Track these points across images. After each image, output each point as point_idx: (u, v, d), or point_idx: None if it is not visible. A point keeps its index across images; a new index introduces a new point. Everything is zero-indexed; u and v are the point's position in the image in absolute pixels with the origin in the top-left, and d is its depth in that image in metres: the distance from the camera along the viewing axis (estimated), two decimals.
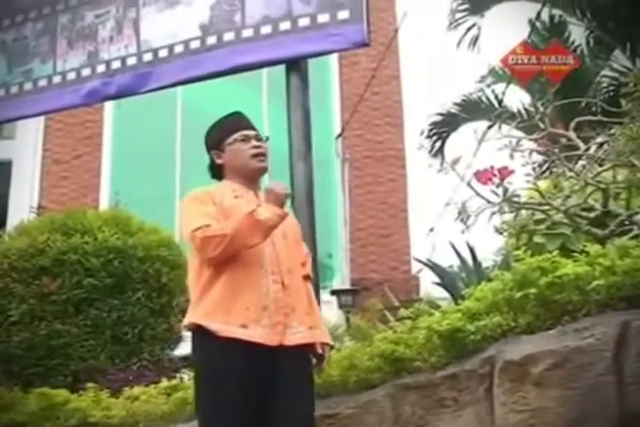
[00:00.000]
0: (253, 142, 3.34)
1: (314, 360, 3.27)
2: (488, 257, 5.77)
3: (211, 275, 3.11)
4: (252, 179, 3.37)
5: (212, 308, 3.06)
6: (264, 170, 3.38)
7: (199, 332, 3.06)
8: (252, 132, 3.39)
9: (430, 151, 11.98)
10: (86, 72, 5.60)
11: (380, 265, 13.40)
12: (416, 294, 11.55)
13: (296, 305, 3.15)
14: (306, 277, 3.37)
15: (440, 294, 8.39)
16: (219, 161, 3.39)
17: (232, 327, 3.00)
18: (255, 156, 3.32)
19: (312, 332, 3.19)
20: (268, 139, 3.43)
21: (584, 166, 3.39)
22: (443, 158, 11.76)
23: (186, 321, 3.14)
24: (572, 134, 3.48)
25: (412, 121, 13.96)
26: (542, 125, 3.56)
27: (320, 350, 3.26)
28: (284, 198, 3.18)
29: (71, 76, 5.64)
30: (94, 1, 5.76)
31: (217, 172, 3.44)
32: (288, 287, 3.14)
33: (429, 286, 10.26)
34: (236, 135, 3.36)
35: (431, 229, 10.90)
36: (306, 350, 3.19)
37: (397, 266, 13.19)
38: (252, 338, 3.00)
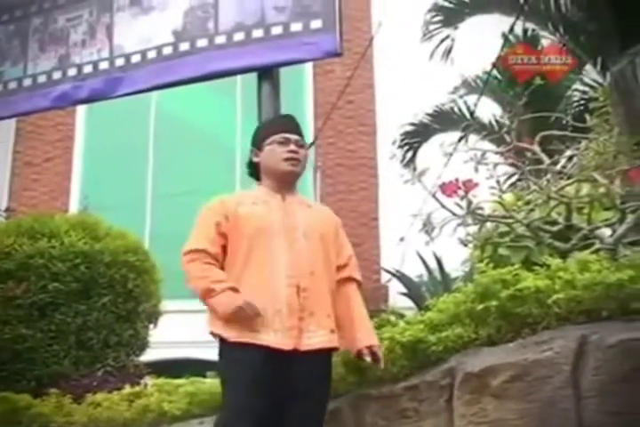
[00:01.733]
0: (291, 146, 3.32)
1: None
2: (458, 268, 5.81)
3: None
4: (281, 181, 3.34)
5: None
6: (293, 174, 3.35)
7: (218, 338, 3.14)
8: (293, 137, 3.36)
9: (402, 161, 12.01)
10: (57, 75, 5.59)
11: None
12: (385, 303, 11.57)
13: (315, 309, 3.12)
14: (347, 280, 3.36)
15: (409, 303, 8.44)
16: (255, 159, 3.39)
17: (244, 332, 3.03)
18: (288, 159, 3.30)
19: (333, 336, 3.17)
20: (311, 145, 3.41)
21: (548, 180, 3.42)
22: (414, 168, 11.80)
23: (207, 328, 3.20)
24: (536, 148, 3.51)
25: (385, 130, 14.00)
26: (508, 139, 3.59)
27: (368, 356, 3.21)
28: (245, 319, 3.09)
29: (42, 79, 5.62)
30: (67, 5, 5.75)
31: (253, 170, 3.43)
32: (305, 290, 3.11)
33: (398, 295, 10.30)
34: (277, 137, 3.34)
35: (401, 239, 10.92)
36: (327, 353, 3.19)
37: (367, 275, 13.16)
38: (264, 342, 3.02)
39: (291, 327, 3.05)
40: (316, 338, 3.10)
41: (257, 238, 3.17)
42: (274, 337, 3.03)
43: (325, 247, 3.27)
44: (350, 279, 3.38)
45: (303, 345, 3.07)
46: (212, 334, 3.15)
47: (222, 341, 3.12)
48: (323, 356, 3.16)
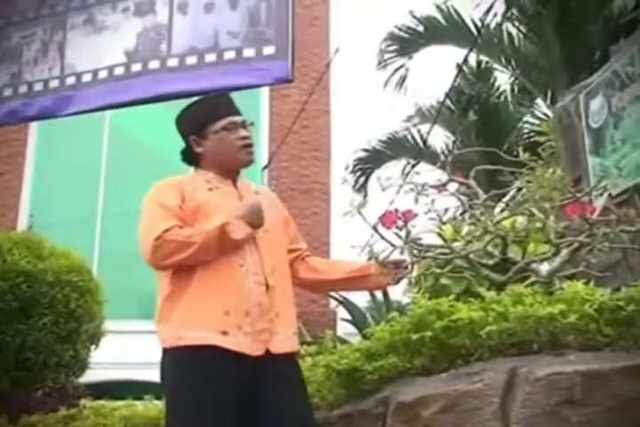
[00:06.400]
0: (241, 132, 2.99)
1: None
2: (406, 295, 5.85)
3: (180, 280, 2.77)
4: (235, 170, 3.03)
5: (186, 317, 2.72)
6: (251, 163, 3.04)
7: (171, 350, 2.72)
8: (239, 119, 3.03)
9: (354, 186, 12.14)
10: (8, 92, 5.54)
11: (300, 298, 13.32)
12: (333, 328, 11.60)
13: (280, 309, 2.82)
14: (304, 254, 3.15)
15: (355, 329, 8.44)
16: (198, 149, 3.01)
17: (210, 334, 2.66)
18: (243, 147, 2.98)
19: (295, 338, 2.91)
20: (252, 124, 3.07)
21: (482, 213, 3.49)
22: (366, 194, 11.94)
23: (161, 342, 2.77)
24: (472, 182, 3.57)
25: (338, 156, 14.12)
26: (445, 173, 3.66)
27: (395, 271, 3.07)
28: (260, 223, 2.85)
29: None
30: (22, 22, 5.72)
31: (192, 158, 3.06)
32: (273, 289, 2.80)
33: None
34: (223, 122, 2.99)
35: None
36: (294, 356, 2.92)
37: (316, 299, 13.20)
38: (233, 347, 2.66)
39: (262, 330, 2.74)
40: (286, 341, 2.82)
41: None
42: (244, 340, 2.69)
43: (282, 240, 3.03)
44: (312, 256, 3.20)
45: (274, 348, 2.76)
46: (167, 344, 2.75)
47: (175, 351, 2.71)
48: (292, 359, 2.90)
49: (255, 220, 2.82)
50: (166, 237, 2.72)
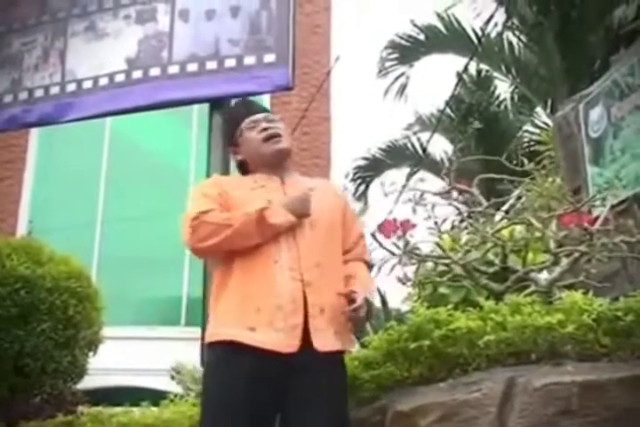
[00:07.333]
0: (262, 125, 2.99)
1: None
2: (405, 304, 5.84)
3: (222, 278, 2.82)
4: (273, 165, 2.98)
5: (223, 315, 2.75)
6: (282, 151, 2.99)
7: (209, 345, 2.78)
8: (259, 116, 3.05)
9: (354, 194, 12.14)
10: (8, 99, 5.55)
11: None
12: None
13: (327, 306, 2.73)
14: (352, 260, 2.96)
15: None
16: (238, 158, 3.08)
17: (239, 331, 2.66)
18: (267, 139, 2.97)
19: (342, 337, 2.78)
20: (276, 118, 3.07)
21: (483, 222, 3.49)
22: (366, 202, 11.95)
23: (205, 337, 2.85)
24: (475, 191, 3.58)
25: (339, 163, 14.13)
26: (447, 181, 3.67)
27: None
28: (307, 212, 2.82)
29: None
30: (23, 29, 5.73)
31: (242, 168, 3.11)
32: (311, 284, 2.72)
33: None
34: (243, 125, 3.04)
35: None
36: (340, 356, 2.82)
37: None
38: (259, 343, 2.63)
39: (295, 326, 2.66)
40: (330, 338, 2.72)
41: None
42: (274, 337, 2.64)
43: (334, 236, 2.92)
44: (360, 259, 3.02)
45: (318, 345, 2.68)
46: (207, 340, 2.80)
47: (211, 346, 2.76)
48: (337, 359, 2.80)
49: (299, 209, 2.81)
50: (204, 219, 2.77)
